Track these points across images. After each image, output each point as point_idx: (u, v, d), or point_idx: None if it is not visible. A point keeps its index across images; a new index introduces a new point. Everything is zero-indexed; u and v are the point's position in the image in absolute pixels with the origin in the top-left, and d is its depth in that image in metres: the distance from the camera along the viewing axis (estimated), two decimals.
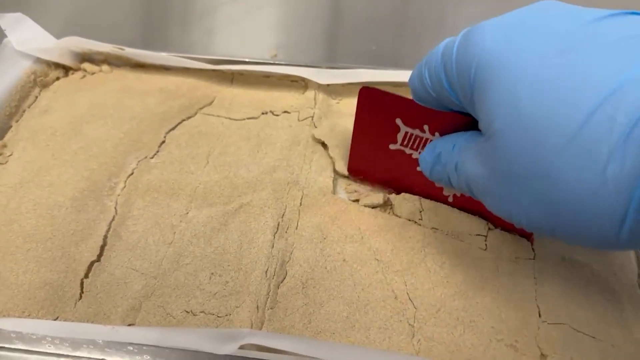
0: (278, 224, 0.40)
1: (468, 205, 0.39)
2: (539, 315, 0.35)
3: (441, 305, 0.35)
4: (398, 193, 0.41)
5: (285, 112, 0.48)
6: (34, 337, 0.33)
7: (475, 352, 0.33)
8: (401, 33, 0.59)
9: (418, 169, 0.37)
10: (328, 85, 0.49)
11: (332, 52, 0.57)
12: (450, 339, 0.34)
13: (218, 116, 0.48)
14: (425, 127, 0.36)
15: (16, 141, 0.46)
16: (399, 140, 0.38)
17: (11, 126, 0.47)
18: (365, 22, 0.60)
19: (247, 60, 0.50)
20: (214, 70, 0.49)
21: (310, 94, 0.48)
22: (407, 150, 0.38)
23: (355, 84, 0.48)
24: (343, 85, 0.49)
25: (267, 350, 0.32)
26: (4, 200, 0.41)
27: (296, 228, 0.40)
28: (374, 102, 0.36)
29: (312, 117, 0.47)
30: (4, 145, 0.45)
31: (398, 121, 0.37)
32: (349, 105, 0.48)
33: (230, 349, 0.31)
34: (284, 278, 0.37)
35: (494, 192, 0.28)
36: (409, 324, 0.35)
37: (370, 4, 0.62)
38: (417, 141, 0.37)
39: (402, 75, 0.47)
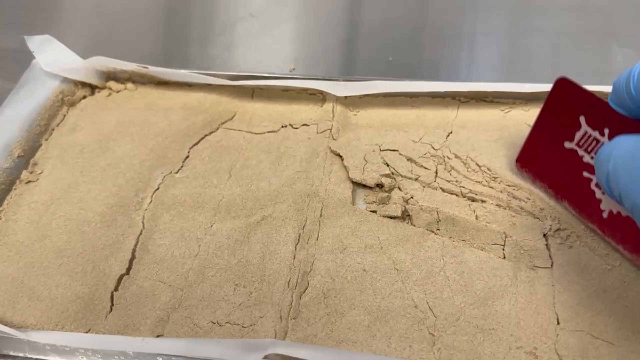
0: (299, 236, 0.41)
1: (618, 223, 0.37)
2: (558, 323, 0.35)
3: (461, 313, 0.36)
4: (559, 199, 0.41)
5: (304, 125, 0.49)
6: (68, 349, 0.35)
7: (494, 359, 0.34)
8: (417, 44, 0.60)
9: (584, 174, 0.37)
10: (345, 97, 0.50)
11: (349, 65, 0.58)
12: (470, 347, 0.35)
13: (239, 130, 0.49)
14: (606, 131, 0.35)
15: (46, 159, 0.48)
16: (576, 139, 0.37)
17: (41, 144, 0.49)
18: (381, 34, 0.61)
19: (266, 75, 0.51)
20: (234, 86, 0.51)
21: (328, 106, 0.49)
22: (580, 152, 0.37)
23: (372, 96, 0.49)
24: (360, 97, 0.50)
25: None
26: (36, 216, 0.43)
27: (317, 239, 0.41)
28: (565, 95, 0.37)
29: (331, 129, 0.48)
30: (35, 163, 0.47)
31: (581, 119, 0.36)
32: (367, 116, 0.49)
33: (255, 358, 0.32)
34: (306, 288, 0.38)
35: None
36: (430, 333, 0.35)
37: (385, 16, 0.63)
38: (593, 144, 0.36)
39: (419, 86, 0.48)
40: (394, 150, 0.46)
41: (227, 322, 0.37)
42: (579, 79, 0.39)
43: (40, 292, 0.39)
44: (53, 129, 0.50)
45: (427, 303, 0.37)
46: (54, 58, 0.52)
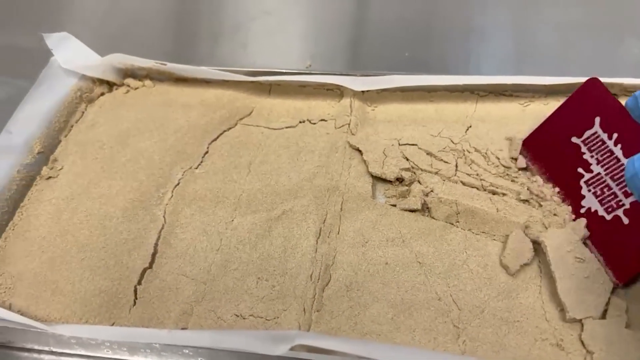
0: (320, 229, 0.41)
1: (594, 221, 0.39)
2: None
3: (485, 306, 0.36)
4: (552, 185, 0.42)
5: (322, 120, 0.49)
6: (93, 342, 0.35)
7: (520, 351, 0.34)
8: (430, 39, 0.60)
9: (579, 169, 0.39)
10: (363, 92, 0.50)
11: (365, 61, 0.58)
12: (495, 339, 0.35)
13: (257, 126, 0.49)
14: (614, 136, 0.37)
15: (66, 155, 0.48)
16: (584, 136, 0.39)
17: (60, 141, 0.49)
18: (395, 29, 0.61)
19: (283, 71, 0.51)
20: (252, 82, 0.51)
21: (345, 101, 0.49)
22: (583, 148, 0.39)
23: (389, 91, 0.49)
24: (378, 92, 0.50)
25: (317, 351, 0.33)
26: (57, 212, 0.43)
27: (338, 233, 0.41)
28: (591, 94, 0.38)
29: (349, 124, 0.48)
30: (55, 159, 0.47)
31: (596, 119, 0.38)
32: (384, 111, 0.49)
33: (282, 349, 0.32)
34: (329, 281, 0.38)
35: None
36: (454, 325, 0.35)
37: (399, 11, 0.63)
38: (598, 145, 0.38)
39: (437, 80, 0.48)
40: (413, 145, 0.46)
41: (250, 315, 0.37)
42: (593, 72, 0.40)
43: (63, 287, 0.39)
44: (72, 126, 0.50)
45: (451, 296, 0.37)
46: (72, 55, 0.52)
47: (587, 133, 0.39)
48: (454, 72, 0.55)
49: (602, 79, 0.38)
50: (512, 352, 0.34)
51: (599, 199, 0.38)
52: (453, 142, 0.45)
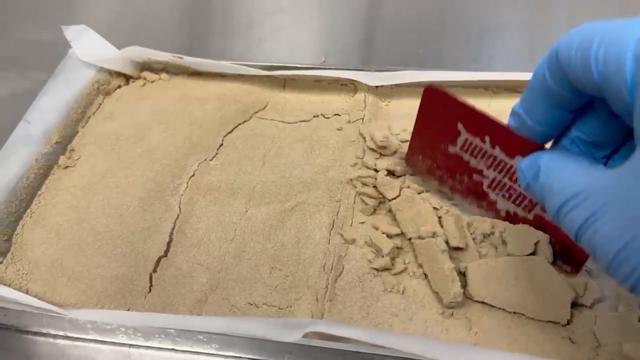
0: (333, 221, 0.41)
1: (519, 221, 0.37)
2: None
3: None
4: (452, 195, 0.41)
5: (336, 114, 0.49)
6: (109, 327, 0.36)
7: (532, 344, 0.34)
8: (444, 35, 0.60)
9: (475, 177, 0.37)
10: (377, 87, 0.50)
11: (379, 58, 0.58)
12: (507, 332, 0.35)
13: (272, 120, 0.49)
14: (487, 139, 0.34)
15: (83, 145, 0.48)
16: (459, 145, 0.36)
17: (77, 132, 0.50)
18: (409, 26, 0.62)
19: (298, 65, 0.51)
20: (267, 77, 0.51)
21: (360, 96, 0.50)
22: (466, 157, 0.36)
23: (403, 85, 0.50)
24: (391, 87, 0.50)
25: (329, 339, 0.33)
26: (74, 201, 0.44)
27: (350, 225, 0.41)
28: (437, 103, 0.35)
29: (362, 119, 0.48)
30: (72, 150, 0.48)
31: (459, 126, 0.35)
32: (398, 106, 0.49)
33: (295, 336, 0.32)
34: (341, 272, 0.38)
35: (620, 232, 0.21)
36: (466, 317, 0.35)
37: (413, 8, 0.63)
38: (477, 150, 0.35)
39: (450, 76, 0.48)
40: None
41: (264, 304, 0.37)
42: None
43: (79, 273, 0.40)
44: (89, 117, 0.51)
45: (463, 288, 0.37)
46: (90, 48, 0.53)
47: (459, 141, 0.36)
48: (468, 69, 0.55)
49: None
50: (524, 345, 0.34)
51: (510, 200, 0.36)
52: None
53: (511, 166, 0.34)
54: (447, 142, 0.37)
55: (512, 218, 0.37)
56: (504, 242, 0.37)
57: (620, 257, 0.20)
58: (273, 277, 0.38)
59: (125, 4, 0.68)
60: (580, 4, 0.61)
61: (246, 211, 0.42)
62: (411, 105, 0.49)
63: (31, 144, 0.46)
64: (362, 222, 0.41)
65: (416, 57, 0.57)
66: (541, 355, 0.33)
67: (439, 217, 0.39)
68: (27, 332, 0.38)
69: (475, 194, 0.38)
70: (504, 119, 0.45)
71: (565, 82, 0.25)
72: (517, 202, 0.36)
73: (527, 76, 0.46)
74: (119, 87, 0.54)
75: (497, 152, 0.34)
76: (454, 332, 0.35)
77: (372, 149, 0.45)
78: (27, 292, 0.39)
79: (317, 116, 0.50)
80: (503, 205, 0.37)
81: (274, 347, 0.34)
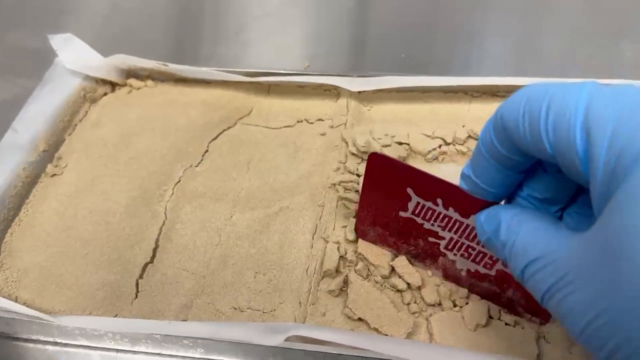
0: (316, 226, 0.42)
1: (481, 280, 0.36)
2: None
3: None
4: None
5: (319, 119, 0.50)
6: (96, 333, 0.36)
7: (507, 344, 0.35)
8: (429, 40, 0.61)
9: (430, 239, 0.36)
10: (359, 92, 0.51)
11: (362, 62, 0.59)
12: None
13: (256, 125, 0.50)
14: (439, 201, 0.32)
15: (70, 153, 0.49)
16: (410, 209, 0.34)
17: (65, 139, 0.50)
18: (394, 31, 0.62)
19: (282, 72, 0.52)
20: (251, 83, 0.52)
21: (342, 102, 0.51)
22: (419, 220, 0.35)
23: (385, 91, 0.51)
24: (374, 92, 0.51)
25: (312, 342, 0.34)
26: (61, 208, 0.45)
27: (333, 229, 0.42)
28: (384, 169, 0.33)
29: (345, 124, 0.49)
30: (59, 157, 0.49)
31: (409, 191, 0.33)
32: (380, 111, 0.50)
33: (277, 340, 0.33)
34: (324, 276, 0.39)
35: (584, 299, 0.20)
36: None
37: (398, 13, 0.64)
38: (430, 213, 0.34)
39: (431, 81, 0.49)
40: (407, 144, 0.47)
41: (248, 308, 0.38)
42: (590, 74, 0.40)
43: (67, 280, 0.40)
44: (76, 125, 0.52)
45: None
46: (76, 56, 0.53)
47: (410, 205, 0.34)
48: (452, 74, 0.56)
49: (600, 80, 0.36)
50: (498, 344, 0.35)
51: (470, 259, 0.35)
52: (446, 142, 0.46)
53: (467, 225, 0.33)
54: (398, 208, 0.35)
55: (474, 275, 0.36)
56: None
57: (590, 328, 0.19)
58: (257, 282, 0.39)
59: (112, 10, 0.68)
60: (566, 13, 0.62)
61: (231, 217, 0.43)
62: (393, 111, 0.50)
63: (19, 152, 0.47)
64: (344, 226, 0.42)
65: (399, 61, 0.58)
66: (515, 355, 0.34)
67: None
68: (17, 339, 0.38)
69: (432, 257, 0.37)
70: (482, 124, 0.46)
71: (514, 147, 0.24)
72: (477, 260, 0.35)
73: (506, 80, 0.48)
74: (105, 94, 0.54)
75: (451, 212, 0.33)
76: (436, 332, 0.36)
77: (354, 154, 0.46)
78: (16, 300, 0.39)
79: (301, 121, 0.50)
80: (463, 264, 0.36)
81: (257, 350, 0.35)
